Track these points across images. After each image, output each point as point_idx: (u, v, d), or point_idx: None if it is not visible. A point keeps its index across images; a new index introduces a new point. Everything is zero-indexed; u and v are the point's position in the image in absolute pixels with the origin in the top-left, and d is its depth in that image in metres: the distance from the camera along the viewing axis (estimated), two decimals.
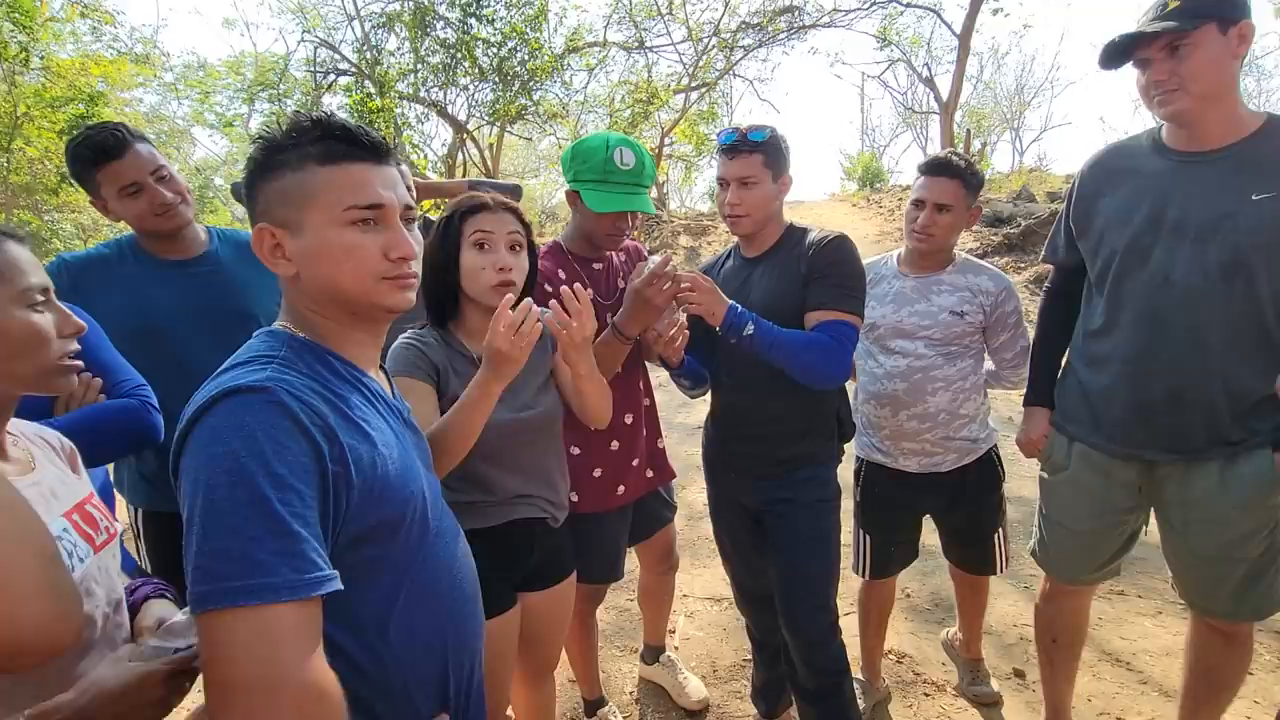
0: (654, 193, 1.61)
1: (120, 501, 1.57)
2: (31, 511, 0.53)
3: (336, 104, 12.17)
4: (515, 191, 2.04)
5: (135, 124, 1.64)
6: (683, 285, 1.39)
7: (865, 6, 13.02)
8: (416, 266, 0.84)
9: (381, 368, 0.94)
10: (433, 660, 0.86)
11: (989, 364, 1.87)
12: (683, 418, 5.00)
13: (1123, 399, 1.44)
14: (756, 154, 1.49)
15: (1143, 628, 2.36)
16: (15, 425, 0.90)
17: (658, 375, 1.82)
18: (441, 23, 11.57)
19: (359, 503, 0.73)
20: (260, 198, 0.80)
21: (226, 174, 16.93)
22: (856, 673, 2.01)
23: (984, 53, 22.51)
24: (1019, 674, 2.14)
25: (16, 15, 7.81)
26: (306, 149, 0.78)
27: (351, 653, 0.77)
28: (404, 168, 1.97)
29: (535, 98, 12.39)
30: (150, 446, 1.27)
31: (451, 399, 1.22)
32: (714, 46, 13.34)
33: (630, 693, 2.17)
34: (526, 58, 11.78)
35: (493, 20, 11.41)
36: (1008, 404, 4.33)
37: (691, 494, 3.65)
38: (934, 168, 1.72)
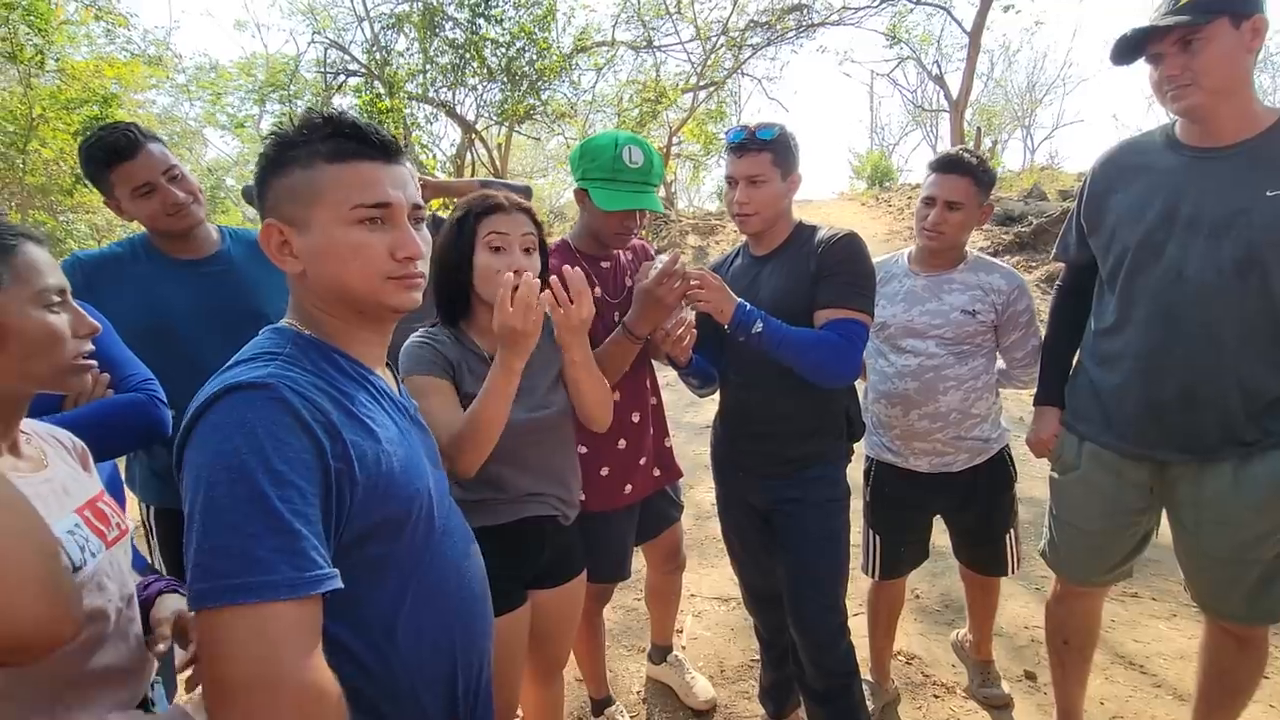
0: (662, 192, 1.61)
1: (131, 499, 1.59)
2: (32, 509, 0.54)
3: (346, 105, 12.24)
4: (526, 192, 2.04)
5: (148, 125, 1.65)
6: (692, 283, 1.38)
7: (875, 4, 12.94)
8: (424, 266, 0.83)
9: (388, 365, 0.94)
10: (440, 660, 0.85)
11: (1000, 363, 1.85)
12: (690, 417, 4.99)
13: (1134, 397, 1.43)
14: (765, 152, 1.48)
15: (1156, 630, 2.33)
16: (29, 424, 0.91)
17: (665, 374, 1.82)
18: (450, 23, 11.62)
19: (363, 499, 0.73)
20: (270, 194, 0.80)
21: (238, 175, 17.06)
22: (865, 674, 2.00)
23: (995, 50, 22.40)
24: (1030, 676, 2.12)
25: (32, 18, 7.91)
26: (316, 146, 0.78)
27: (357, 653, 0.76)
28: (410, 166, 1.98)
29: (543, 97, 12.42)
30: (159, 441, 1.28)
31: (466, 396, 1.23)
32: (722, 45, 13.32)
33: (637, 692, 2.16)
34: (535, 58, 11.80)
35: (501, 20, 11.44)
36: (1019, 404, 4.30)
37: (699, 493, 3.65)
38: (945, 165, 1.70)
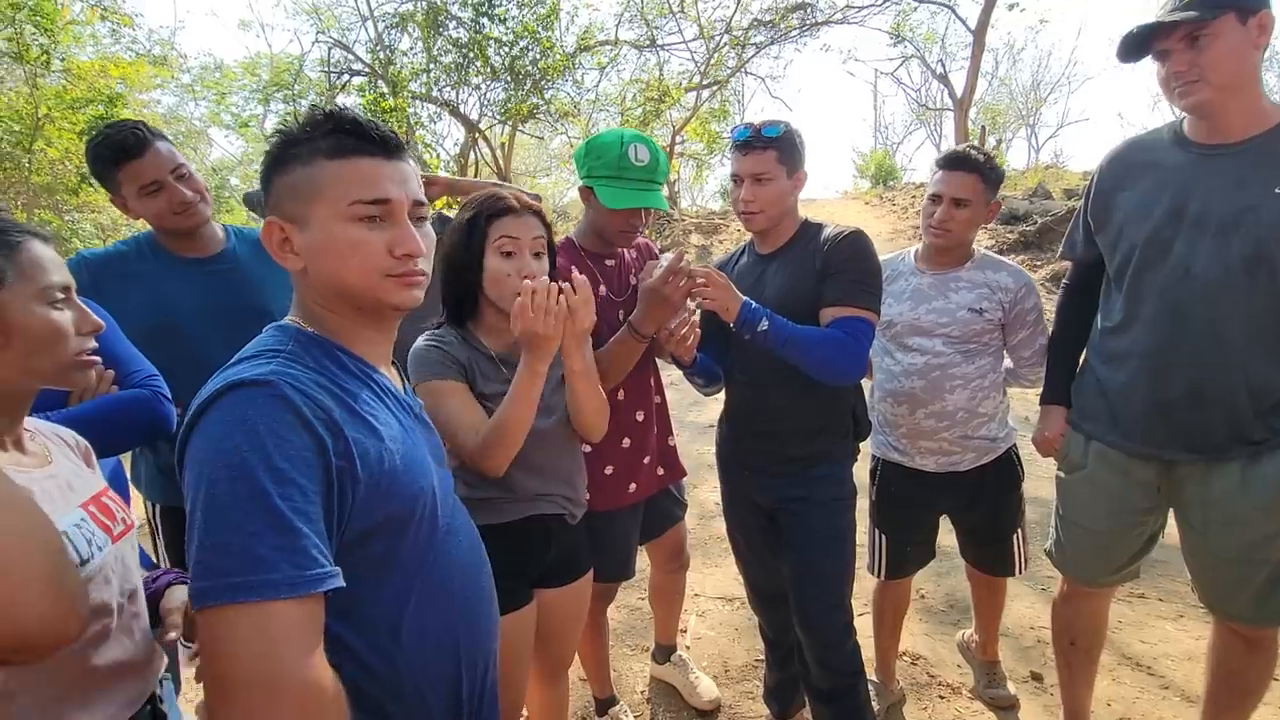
0: (665, 191, 1.61)
1: (136, 497, 1.59)
2: (35, 506, 0.54)
3: (350, 104, 12.24)
4: (535, 200, 2.04)
5: (153, 124, 1.66)
6: (697, 281, 1.38)
7: (879, 3, 12.90)
8: (425, 264, 0.82)
9: (394, 363, 0.94)
10: (445, 661, 0.85)
11: (1007, 362, 1.84)
12: (694, 416, 4.99)
13: (1141, 395, 1.42)
14: (770, 150, 1.48)
15: (1164, 631, 2.32)
16: (32, 423, 0.91)
17: (669, 373, 1.82)
18: (454, 22, 11.62)
19: (365, 497, 0.73)
20: (273, 191, 0.80)
21: (242, 174, 17.11)
22: (870, 674, 1.99)
23: (999, 48, 22.33)
24: (1036, 677, 2.11)
25: (38, 18, 7.94)
26: (317, 143, 0.77)
27: (361, 652, 0.76)
28: (412, 164, 1.98)
29: (547, 96, 12.42)
30: (163, 436, 1.29)
31: (479, 397, 1.25)
32: (726, 44, 13.30)
33: (641, 692, 2.16)
34: (538, 57, 11.80)
35: (505, 19, 11.44)
36: (1024, 403, 4.28)
37: (703, 493, 3.64)
38: (952, 162, 1.70)
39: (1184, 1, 1.27)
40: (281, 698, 0.60)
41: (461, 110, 12.86)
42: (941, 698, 2.06)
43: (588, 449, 1.60)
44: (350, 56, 12.53)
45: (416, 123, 12.29)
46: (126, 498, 1.37)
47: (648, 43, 13.50)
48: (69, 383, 0.91)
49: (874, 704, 1.87)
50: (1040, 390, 1.73)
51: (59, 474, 0.86)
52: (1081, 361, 1.63)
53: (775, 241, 1.59)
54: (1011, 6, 11.79)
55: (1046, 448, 1.67)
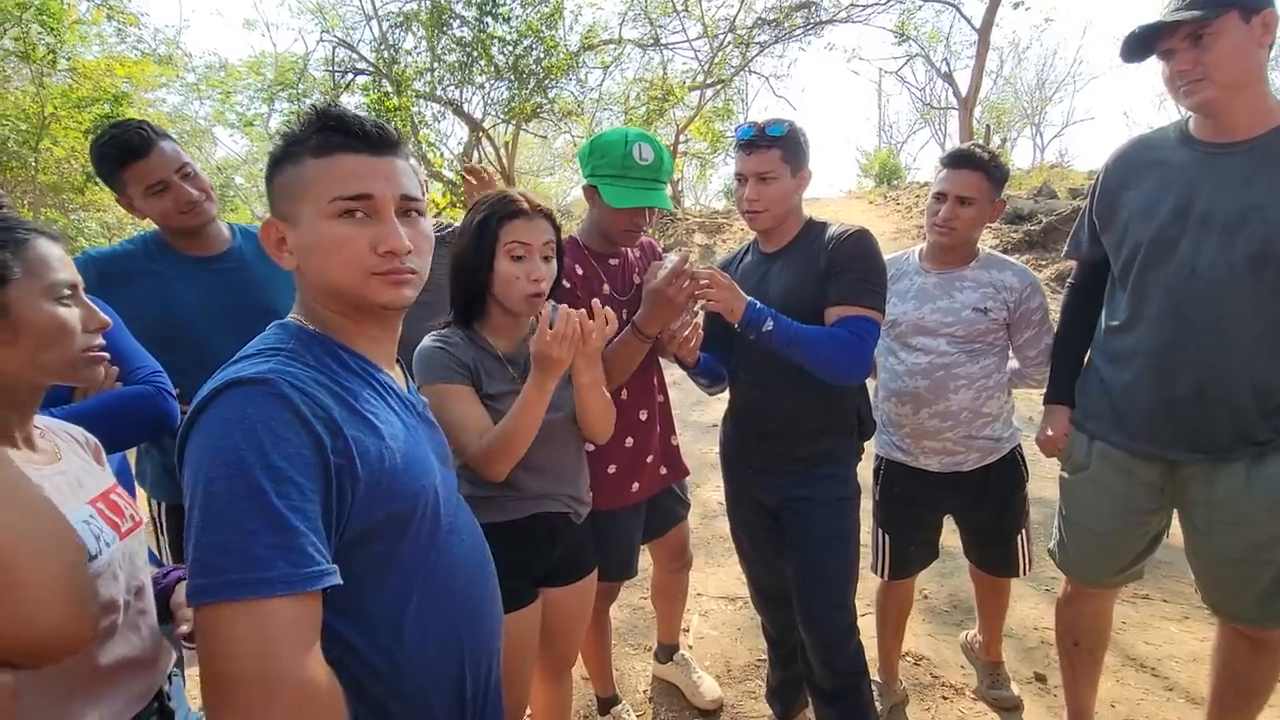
0: (669, 190, 1.60)
1: (141, 495, 1.60)
2: (62, 517, 0.54)
3: (354, 103, 12.27)
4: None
5: (159, 124, 1.66)
6: (701, 282, 1.38)
7: (883, 1, 12.87)
8: (416, 262, 0.80)
9: (398, 360, 0.94)
10: (448, 660, 0.84)
11: (1013, 362, 1.84)
12: (697, 415, 4.98)
13: (1146, 395, 1.41)
14: (775, 149, 1.47)
15: (1168, 632, 2.31)
16: (42, 420, 0.92)
17: (672, 372, 1.82)
18: (458, 21, 11.62)
19: (365, 496, 0.73)
20: (271, 192, 0.81)
21: (247, 173, 17.16)
22: (873, 675, 1.99)
23: (1004, 47, 22.31)
24: (1040, 678, 2.11)
25: (44, 18, 7.97)
26: (307, 142, 0.78)
27: (363, 650, 0.76)
28: (412, 161, 1.98)
29: (550, 95, 12.40)
30: (167, 432, 1.29)
31: (485, 397, 1.26)
32: (730, 43, 13.27)
33: (644, 691, 2.16)
34: (542, 56, 11.79)
35: (509, 19, 11.43)
36: (1029, 403, 4.26)
37: (706, 492, 3.64)
38: (956, 160, 1.69)
39: (1187, 1, 1.26)
40: (277, 695, 0.60)
41: (465, 109, 12.87)
42: (945, 698, 2.06)
43: (591, 448, 1.61)
44: (354, 55, 12.55)
45: (420, 122, 12.30)
46: (132, 495, 1.38)
47: (651, 41, 13.48)
48: (78, 379, 0.92)
49: (877, 704, 1.87)
50: (1044, 390, 1.72)
51: (68, 470, 0.87)
52: (1086, 361, 1.62)
53: (779, 240, 1.59)
54: (1017, 5, 11.74)
55: (1050, 447, 1.66)
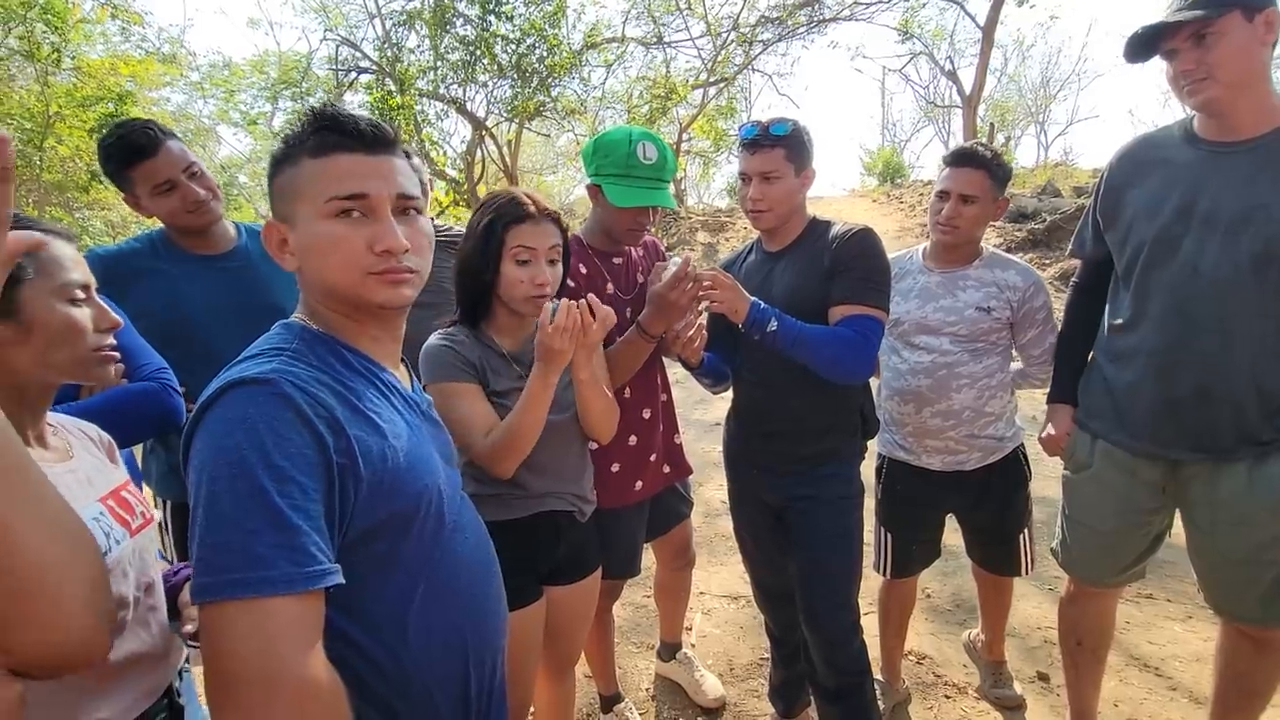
0: (672, 188, 1.60)
1: (147, 493, 1.61)
2: (84, 528, 0.53)
3: (358, 102, 12.28)
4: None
5: (163, 122, 1.68)
6: (705, 283, 1.38)
7: None
8: (415, 261, 0.80)
9: (403, 359, 0.94)
10: (453, 659, 0.85)
11: (1017, 363, 1.84)
12: (700, 414, 4.98)
13: (1148, 394, 1.41)
14: (779, 148, 1.47)
15: (1172, 632, 2.31)
16: (55, 417, 0.93)
17: (675, 371, 1.82)
18: (461, 20, 11.63)
19: (368, 495, 0.73)
20: (271, 194, 0.82)
21: (250, 171, 17.20)
22: (876, 673, 1.99)
23: (1008, 45, 22.16)
24: (1043, 677, 2.10)
25: (49, 17, 7.99)
26: (304, 143, 0.78)
27: (368, 649, 0.76)
28: (416, 161, 1.98)
29: (553, 94, 12.40)
30: (172, 429, 1.30)
31: (491, 394, 1.27)
32: (733, 41, 13.26)
33: (646, 689, 2.17)
34: (545, 54, 11.79)
35: (512, 17, 11.43)
36: (1032, 403, 4.26)
37: (709, 491, 3.65)
38: (959, 158, 1.69)
39: (1190, 0, 1.26)
40: (279, 693, 0.61)
41: (468, 108, 12.87)
42: (947, 697, 2.06)
43: (594, 447, 1.61)
44: (358, 54, 12.56)
45: (424, 120, 12.31)
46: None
47: (655, 40, 13.48)
48: (89, 378, 0.93)
49: (879, 703, 1.87)
50: (1047, 390, 1.72)
51: (79, 468, 0.88)
52: (1089, 360, 1.62)
53: (783, 239, 1.59)
54: (1021, 3, 11.69)
55: (1052, 446, 1.66)
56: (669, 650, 2.17)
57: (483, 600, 0.91)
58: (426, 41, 11.98)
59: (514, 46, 11.64)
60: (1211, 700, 1.58)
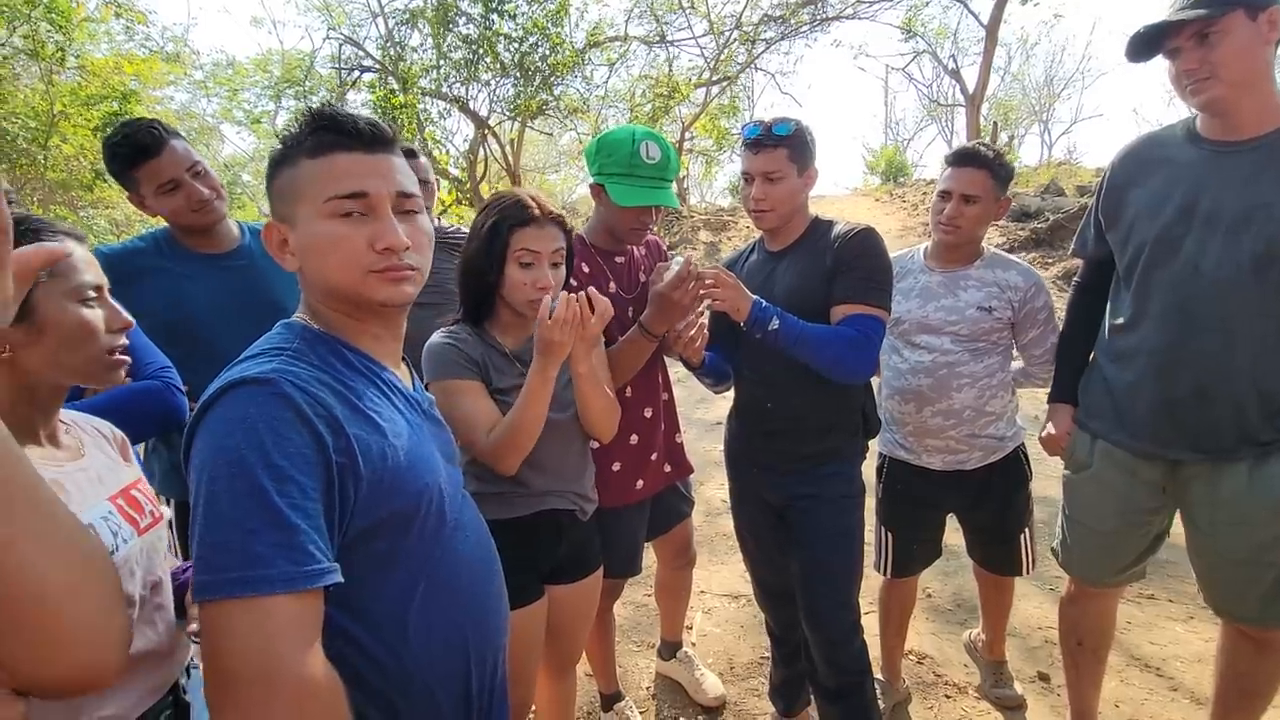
0: (675, 187, 1.60)
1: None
2: (98, 548, 0.52)
3: (360, 100, 12.30)
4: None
5: (167, 121, 1.68)
6: (707, 282, 1.38)
7: None
8: (415, 259, 0.80)
9: (404, 358, 0.94)
10: (454, 657, 0.85)
11: (1018, 362, 1.84)
12: (701, 413, 4.99)
13: (1148, 394, 1.41)
14: (781, 148, 1.48)
15: (1173, 633, 2.30)
16: (69, 415, 0.94)
17: (676, 370, 1.82)
18: (464, 18, 11.62)
19: (368, 494, 0.73)
20: (270, 195, 0.82)
21: (254, 170, 17.23)
22: (876, 673, 1.99)
23: (1012, 43, 22.09)
24: (1044, 678, 2.10)
25: (54, 16, 8.01)
26: (302, 144, 0.78)
27: (369, 647, 0.77)
28: (422, 160, 1.99)
29: (556, 93, 12.40)
30: (175, 427, 1.30)
31: (494, 391, 1.27)
32: (735, 40, 13.24)
33: (647, 688, 2.17)
34: (548, 53, 11.79)
35: (515, 16, 11.43)
36: (1034, 402, 4.25)
37: (709, 490, 3.65)
38: (961, 158, 1.69)
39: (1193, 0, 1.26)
40: (277, 691, 0.61)
41: (471, 106, 12.88)
42: (948, 697, 2.06)
43: (595, 445, 1.62)
44: (361, 53, 12.57)
45: (426, 119, 12.31)
46: None
47: (657, 39, 13.46)
48: (99, 381, 0.93)
49: (880, 703, 1.87)
50: (1048, 389, 1.72)
51: (90, 467, 0.89)
52: (1090, 359, 1.62)
53: (785, 239, 1.59)
54: (1025, 1, 11.66)
55: (1052, 446, 1.66)
56: (669, 649, 2.17)
57: (484, 598, 0.91)
58: (429, 40, 11.99)
59: (517, 45, 11.64)
60: (1212, 701, 1.57)
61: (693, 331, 1.44)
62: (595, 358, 1.35)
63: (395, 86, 11.60)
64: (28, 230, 0.85)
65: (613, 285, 1.63)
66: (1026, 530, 1.87)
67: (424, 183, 1.96)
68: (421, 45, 12.32)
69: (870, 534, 1.85)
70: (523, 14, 11.49)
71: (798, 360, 1.43)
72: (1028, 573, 1.92)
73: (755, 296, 1.42)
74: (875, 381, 1.77)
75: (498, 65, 11.72)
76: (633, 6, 13.16)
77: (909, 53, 15.56)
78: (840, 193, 16.50)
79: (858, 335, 1.41)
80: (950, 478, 1.79)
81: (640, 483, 1.68)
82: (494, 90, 12.69)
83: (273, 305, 1.56)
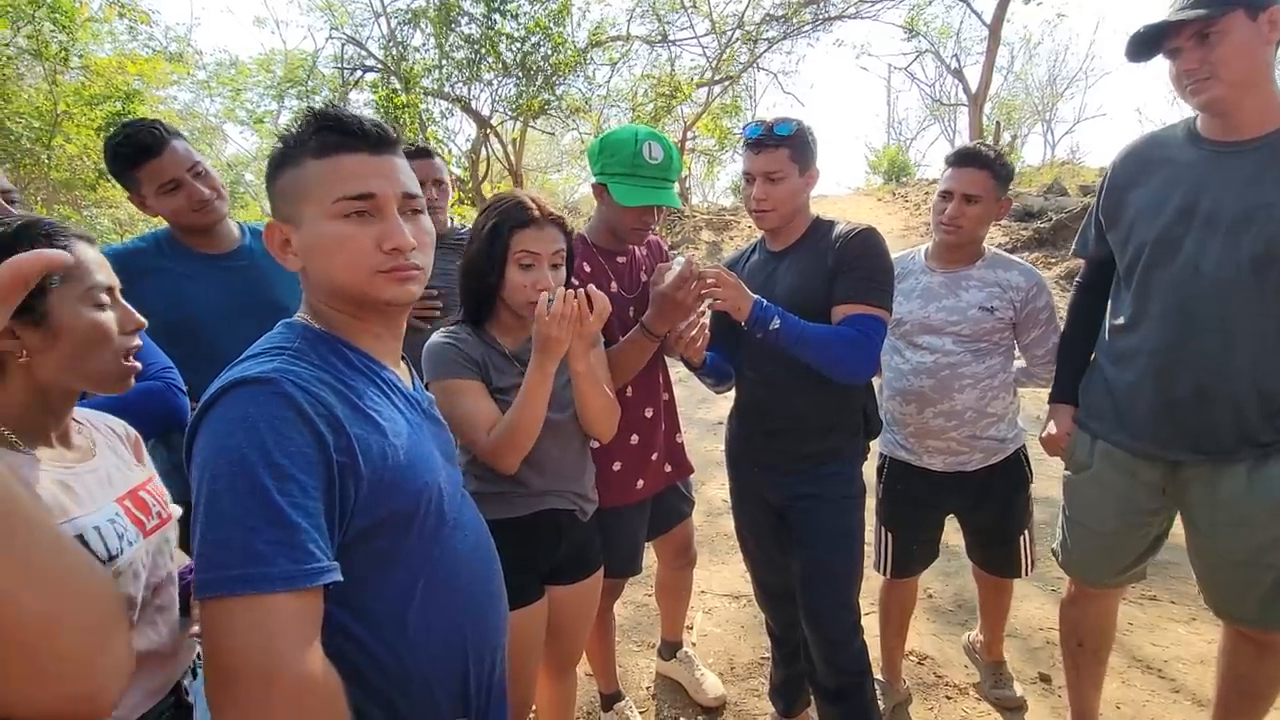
0: (677, 187, 1.61)
1: None
2: (105, 589, 0.48)
3: (363, 100, 12.33)
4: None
5: (170, 121, 1.69)
6: (708, 282, 1.38)
7: None
8: (420, 258, 0.81)
9: (404, 358, 0.95)
10: (453, 656, 0.85)
11: (1020, 362, 1.83)
12: (702, 413, 4.98)
13: (1148, 395, 1.41)
14: (783, 148, 1.48)
15: (1175, 634, 2.30)
16: (82, 413, 0.94)
17: (677, 370, 1.82)
18: (466, 18, 11.64)
19: (368, 493, 0.73)
20: (272, 195, 0.82)
21: (257, 170, 17.27)
22: (876, 673, 1.99)
23: (1015, 43, 22.04)
24: (1044, 679, 2.10)
25: (57, 16, 8.04)
26: (306, 144, 0.78)
27: (369, 645, 0.77)
28: (437, 160, 1.99)
29: (558, 92, 12.41)
30: (177, 428, 1.31)
31: (493, 391, 1.28)
32: (738, 39, 13.24)
33: (647, 688, 2.17)
34: (550, 52, 11.80)
35: (517, 15, 11.44)
36: (1036, 403, 4.24)
37: (710, 490, 3.65)
38: (962, 158, 1.69)
39: None
40: (276, 689, 0.61)
41: (473, 106, 12.90)
42: (948, 698, 2.06)
43: (595, 445, 1.62)
44: (363, 53, 12.60)
45: (428, 119, 12.33)
46: None
47: (659, 38, 13.47)
48: (109, 390, 0.92)
49: (880, 703, 1.87)
50: (1049, 389, 1.72)
51: (100, 468, 0.89)
52: (1091, 360, 1.62)
53: (787, 239, 1.59)
54: (1028, 0, 11.64)
55: (1052, 446, 1.66)
56: (670, 649, 2.17)
57: (483, 598, 0.91)
58: (431, 40, 12.01)
59: (519, 45, 11.65)
60: (1213, 703, 1.57)
61: (694, 331, 1.44)
62: (594, 357, 1.35)
63: (398, 86, 11.62)
64: (40, 234, 0.84)
65: (614, 285, 1.63)
66: (1026, 532, 1.87)
67: (439, 183, 1.96)
68: (424, 45, 12.35)
69: (870, 534, 1.85)
70: (525, 13, 11.51)
71: (799, 360, 1.43)
72: (1027, 574, 1.92)
73: (756, 296, 1.42)
74: (876, 382, 1.77)
75: (500, 65, 11.74)
76: (635, 6, 13.17)
77: (911, 52, 15.57)
78: (842, 192, 16.50)
79: (859, 335, 1.41)
80: (951, 479, 1.79)
81: (641, 483, 1.68)
82: (496, 90, 12.72)
83: (273, 305, 1.56)
